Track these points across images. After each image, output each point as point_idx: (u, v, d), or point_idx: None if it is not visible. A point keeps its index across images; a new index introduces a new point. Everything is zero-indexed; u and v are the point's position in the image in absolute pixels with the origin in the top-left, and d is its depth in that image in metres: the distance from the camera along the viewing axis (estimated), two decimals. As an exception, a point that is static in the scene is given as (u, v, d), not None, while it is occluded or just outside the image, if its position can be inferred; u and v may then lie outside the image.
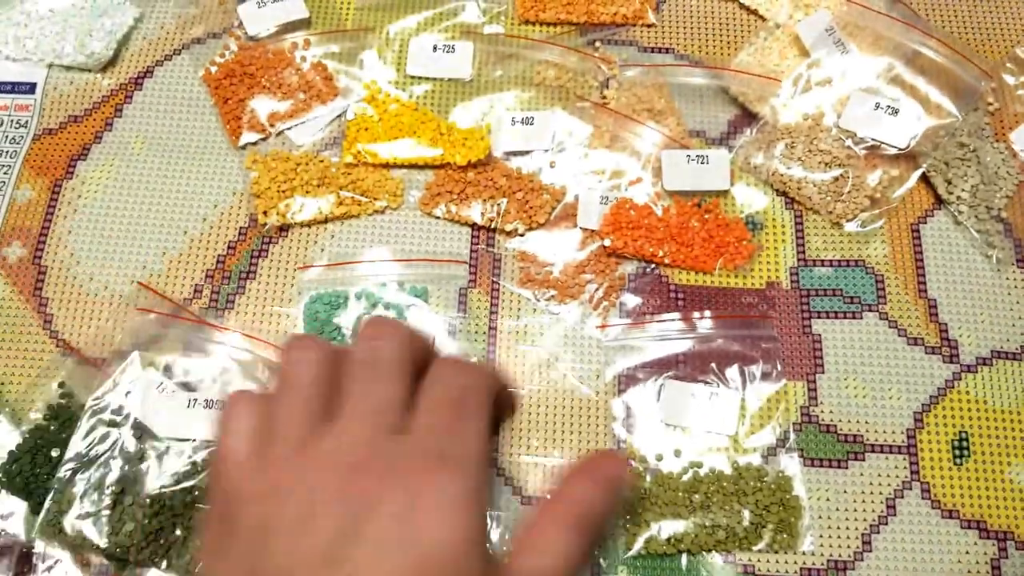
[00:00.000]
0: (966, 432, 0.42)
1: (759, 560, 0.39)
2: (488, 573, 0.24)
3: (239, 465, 0.25)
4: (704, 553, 0.40)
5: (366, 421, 0.25)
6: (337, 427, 0.25)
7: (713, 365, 0.43)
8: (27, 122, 0.48)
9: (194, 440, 0.40)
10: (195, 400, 0.41)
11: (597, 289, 0.45)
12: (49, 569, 0.39)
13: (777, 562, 0.39)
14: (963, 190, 0.46)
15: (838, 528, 0.40)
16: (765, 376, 0.43)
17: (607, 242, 0.45)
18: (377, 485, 0.24)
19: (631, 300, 0.45)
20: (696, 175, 0.46)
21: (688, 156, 0.47)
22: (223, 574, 0.24)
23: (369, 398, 0.26)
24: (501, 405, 0.29)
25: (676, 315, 0.44)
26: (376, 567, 0.23)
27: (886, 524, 0.40)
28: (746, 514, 0.40)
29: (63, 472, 0.39)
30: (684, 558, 0.39)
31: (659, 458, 0.41)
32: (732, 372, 0.43)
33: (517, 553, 0.27)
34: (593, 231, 0.46)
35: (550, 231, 0.46)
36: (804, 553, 0.40)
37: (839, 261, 0.45)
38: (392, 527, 0.23)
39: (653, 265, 0.45)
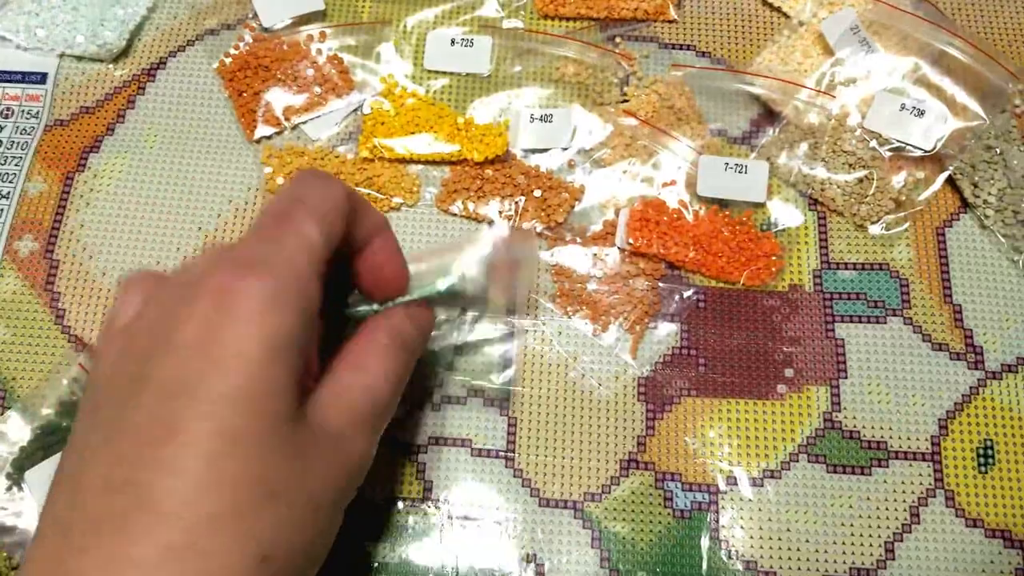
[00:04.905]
0: (991, 440, 0.41)
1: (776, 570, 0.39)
2: (297, 370, 0.25)
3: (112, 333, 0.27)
4: None
5: (213, 251, 0.27)
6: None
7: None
8: (39, 112, 0.48)
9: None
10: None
11: (629, 313, 0.44)
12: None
13: (799, 570, 0.39)
14: (989, 193, 0.45)
15: (860, 536, 0.40)
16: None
17: (631, 241, 0.44)
18: (191, 294, 0.25)
19: (664, 327, 0.44)
20: (732, 184, 0.45)
21: (726, 164, 0.46)
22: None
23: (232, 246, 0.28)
24: (361, 222, 0.30)
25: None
26: (179, 371, 0.23)
27: (909, 532, 0.40)
28: None
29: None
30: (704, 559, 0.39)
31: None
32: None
33: (339, 368, 0.28)
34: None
35: (586, 248, 0.45)
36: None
37: (863, 264, 0.45)
38: (197, 332, 0.24)
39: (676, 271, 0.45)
